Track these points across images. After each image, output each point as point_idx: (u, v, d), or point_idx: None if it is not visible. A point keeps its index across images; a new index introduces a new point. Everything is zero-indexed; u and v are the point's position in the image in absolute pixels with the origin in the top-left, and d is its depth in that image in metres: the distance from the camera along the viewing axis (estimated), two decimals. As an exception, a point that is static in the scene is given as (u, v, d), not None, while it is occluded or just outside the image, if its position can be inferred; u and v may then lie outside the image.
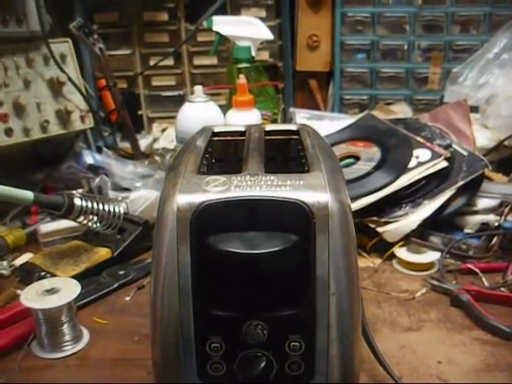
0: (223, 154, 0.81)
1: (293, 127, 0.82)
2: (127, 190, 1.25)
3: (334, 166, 0.67)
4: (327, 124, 1.44)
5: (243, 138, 0.77)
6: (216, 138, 0.80)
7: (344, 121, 1.43)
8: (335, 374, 0.60)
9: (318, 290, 0.57)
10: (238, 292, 0.58)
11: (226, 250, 0.55)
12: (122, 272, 1.03)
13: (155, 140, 1.64)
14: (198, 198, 0.57)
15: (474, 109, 1.45)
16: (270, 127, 0.83)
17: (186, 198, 0.57)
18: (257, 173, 0.61)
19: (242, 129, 0.81)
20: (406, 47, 1.77)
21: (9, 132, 1.21)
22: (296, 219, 0.56)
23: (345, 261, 0.58)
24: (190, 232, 0.56)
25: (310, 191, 0.57)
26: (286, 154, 0.82)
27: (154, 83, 1.83)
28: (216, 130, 0.81)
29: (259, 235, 0.56)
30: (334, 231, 0.57)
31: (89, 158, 1.39)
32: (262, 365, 0.59)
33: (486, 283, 0.97)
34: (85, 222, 1.05)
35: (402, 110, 1.59)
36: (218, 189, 0.58)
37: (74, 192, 1.08)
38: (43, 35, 1.25)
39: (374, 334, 0.73)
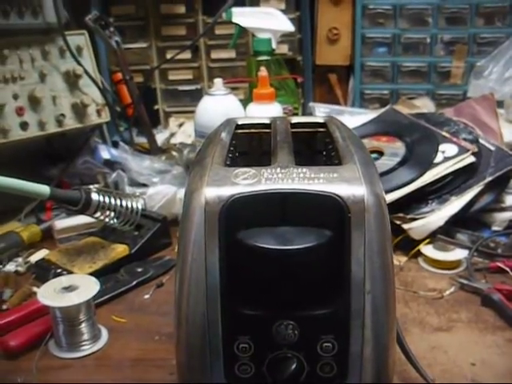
0: (247, 147, 0.78)
1: (319, 120, 0.79)
2: (144, 185, 1.24)
3: (366, 158, 0.64)
4: (347, 119, 1.40)
5: (268, 130, 0.74)
6: (240, 131, 0.77)
7: (364, 116, 1.40)
8: (368, 376, 0.58)
9: (353, 288, 0.54)
10: (269, 290, 0.55)
11: (257, 246, 0.53)
12: (140, 269, 1.01)
13: (172, 135, 1.62)
14: (227, 191, 0.54)
15: (499, 104, 1.42)
16: (295, 119, 0.79)
17: (214, 191, 0.54)
18: (287, 165, 0.58)
19: (267, 121, 0.78)
20: (428, 40, 1.75)
21: (24, 126, 1.19)
22: (330, 213, 0.54)
23: (381, 257, 0.55)
24: (219, 227, 0.53)
25: (344, 184, 0.54)
26: (313, 148, 0.79)
27: (171, 77, 1.81)
28: (240, 122, 0.78)
29: (291, 230, 0.53)
30: (369, 226, 0.54)
31: (105, 152, 1.38)
32: (293, 366, 0.56)
33: (517, 282, 0.94)
34: (102, 217, 1.03)
35: (425, 105, 1.55)
36: (247, 181, 0.55)
37: (90, 187, 1.06)
38: (59, 27, 1.23)
39: (403, 334, 0.70)
